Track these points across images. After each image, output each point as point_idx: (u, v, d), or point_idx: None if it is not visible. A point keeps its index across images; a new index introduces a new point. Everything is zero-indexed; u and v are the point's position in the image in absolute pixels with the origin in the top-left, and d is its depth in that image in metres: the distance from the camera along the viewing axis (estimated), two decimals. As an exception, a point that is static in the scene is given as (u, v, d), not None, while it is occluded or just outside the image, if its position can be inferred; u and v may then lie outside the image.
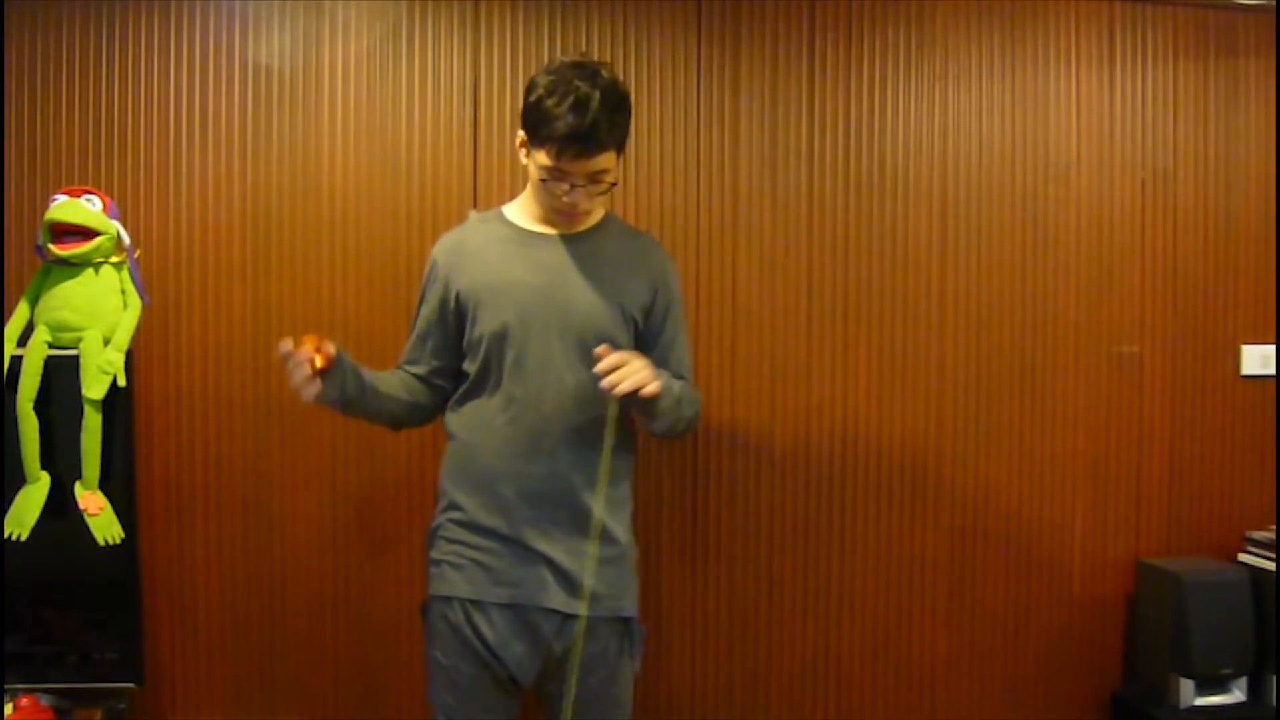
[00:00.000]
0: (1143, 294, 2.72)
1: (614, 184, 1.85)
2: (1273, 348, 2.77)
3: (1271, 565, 2.59)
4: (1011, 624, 2.70)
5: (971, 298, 2.64)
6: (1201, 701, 2.55)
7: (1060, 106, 2.67)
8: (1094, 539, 2.72)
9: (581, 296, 1.86)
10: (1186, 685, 2.54)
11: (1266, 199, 2.77)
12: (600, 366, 1.72)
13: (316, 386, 1.75)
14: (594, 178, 1.81)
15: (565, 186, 1.81)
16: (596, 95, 1.73)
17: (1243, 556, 2.69)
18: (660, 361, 1.94)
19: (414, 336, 1.98)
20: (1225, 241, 2.76)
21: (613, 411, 1.78)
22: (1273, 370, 2.77)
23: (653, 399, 1.76)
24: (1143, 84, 2.71)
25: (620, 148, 1.83)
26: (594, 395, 1.84)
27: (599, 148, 1.76)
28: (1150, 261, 2.73)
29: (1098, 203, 2.69)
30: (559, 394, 1.83)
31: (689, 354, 2.03)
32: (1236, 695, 2.59)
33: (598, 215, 1.96)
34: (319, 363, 1.73)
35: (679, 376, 1.96)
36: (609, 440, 1.80)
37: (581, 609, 1.82)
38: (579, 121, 1.72)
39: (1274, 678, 2.57)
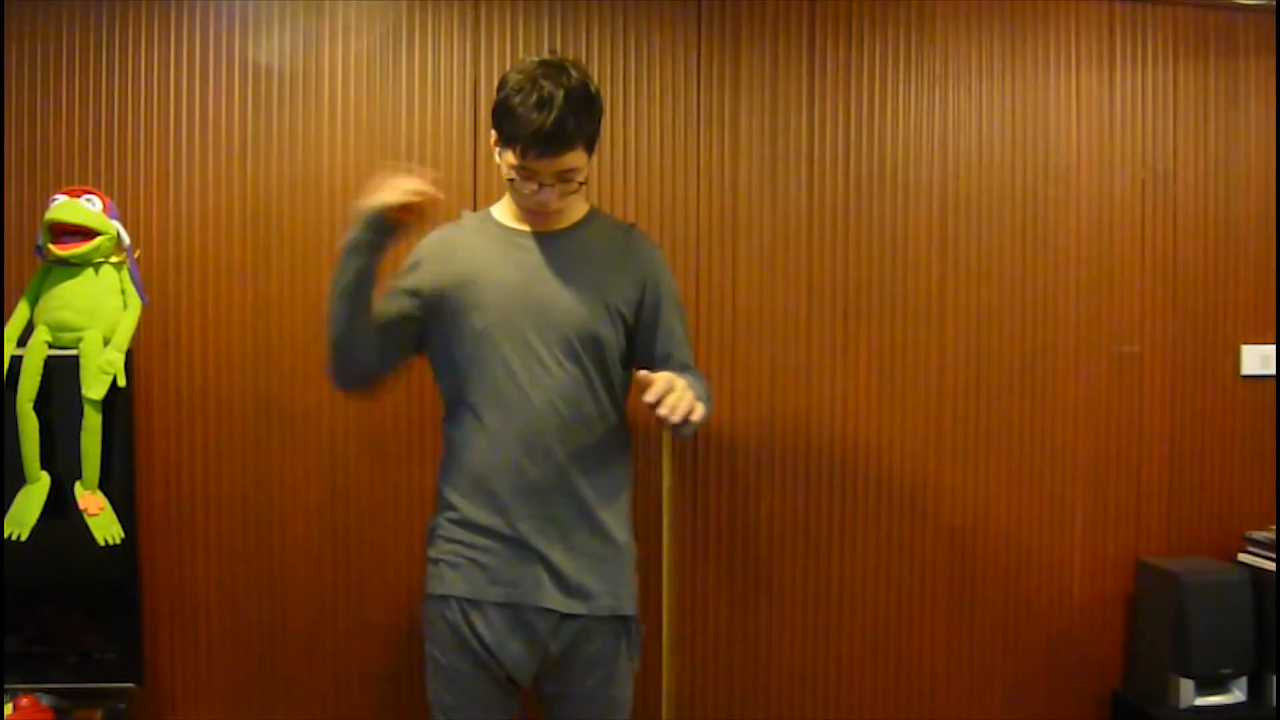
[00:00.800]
0: (1143, 294, 2.72)
1: (583, 183, 1.84)
2: (1273, 348, 2.77)
3: (1271, 565, 2.59)
4: (1011, 624, 2.70)
5: (971, 298, 2.64)
6: (1201, 701, 2.55)
7: (1060, 106, 2.67)
8: (1094, 539, 2.72)
9: (562, 294, 1.85)
10: (1186, 685, 2.54)
11: (1266, 199, 2.77)
12: (650, 396, 1.69)
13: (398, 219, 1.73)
14: (562, 176, 1.80)
15: (534, 186, 1.80)
16: (561, 94, 1.72)
17: (1243, 556, 2.69)
18: (665, 353, 1.94)
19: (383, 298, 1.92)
20: (1225, 241, 2.76)
21: (668, 439, 1.78)
22: (1273, 370, 2.77)
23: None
24: (1143, 84, 2.71)
25: (589, 146, 1.81)
26: (583, 393, 1.84)
27: (564, 147, 1.75)
28: (1150, 261, 2.73)
29: (1098, 203, 2.70)
30: (547, 391, 1.82)
31: (689, 339, 2.02)
32: (1236, 695, 2.59)
33: (581, 210, 1.95)
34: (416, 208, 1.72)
35: (685, 366, 1.95)
36: (668, 468, 1.79)
37: (673, 604, 1.80)
38: (543, 120, 1.71)
39: (1274, 678, 2.57)
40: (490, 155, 2.39)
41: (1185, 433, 2.75)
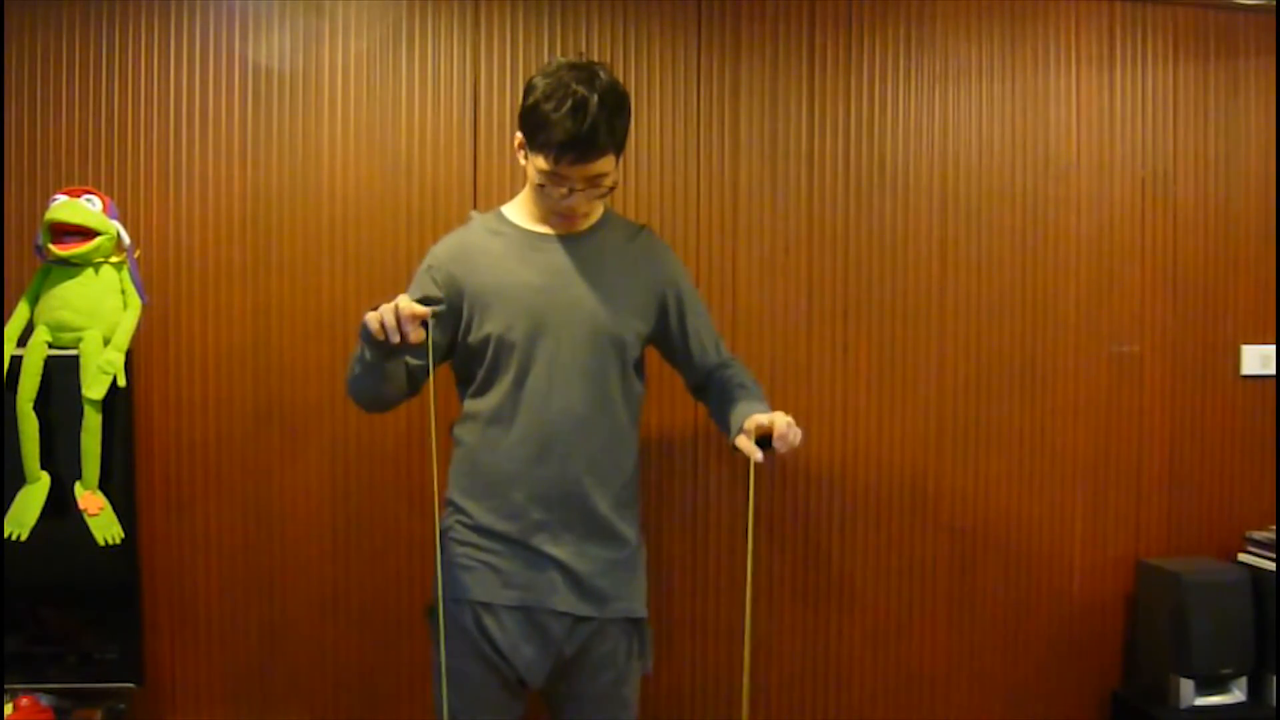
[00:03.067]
0: (1143, 294, 2.72)
1: (613, 187, 1.85)
2: (1273, 348, 2.77)
3: (1271, 565, 2.59)
4: (1011, 624, 2.70)
5: (971, 298, 2.64)
6: (1201, 701, 2.55)
7: (1060, 106, 2.67)
8: (1094, 539, 2.72)
9: (588, 298, 1.86)
10: (1186, 685, 2.54)
11: (1266, 199, 2.77)
12: (779, 440, 1.75)
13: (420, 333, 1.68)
14: (593, 181, 1.80)
15: (564, 190, 1.80)
16: (595, 99, 1.71)
17: (1243, 556, 2.69)
18: (699, 350, 2.00)
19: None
20: (1225, 241, 2.76)
21: (753, 476, 1.81)
22: (1273, 370, 2.77)
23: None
24: (1143, 84, 2.71)
25: (619, 150, 1.82)
26: (601, 396, 1.85)
27: (598, 152, 1.75)
28: (1150, 261, 2.73)
29: (1098, 203, 2.70)
30: (567, 396, 1.82)
31: (713, 326, 2.07)
32: (1236, 695, 2.59)
33: (597, 213, 1.95)
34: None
35: (723, 361, 2.02)
36: (752, 504, 1.83)
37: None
38: (578, 126, 1.70)
39: (1274, 678, 2.57)
40: (489, 155, 2.43)
41: (1185, 433, 2.75)
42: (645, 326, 1.94)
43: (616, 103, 1.76)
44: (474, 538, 1.86)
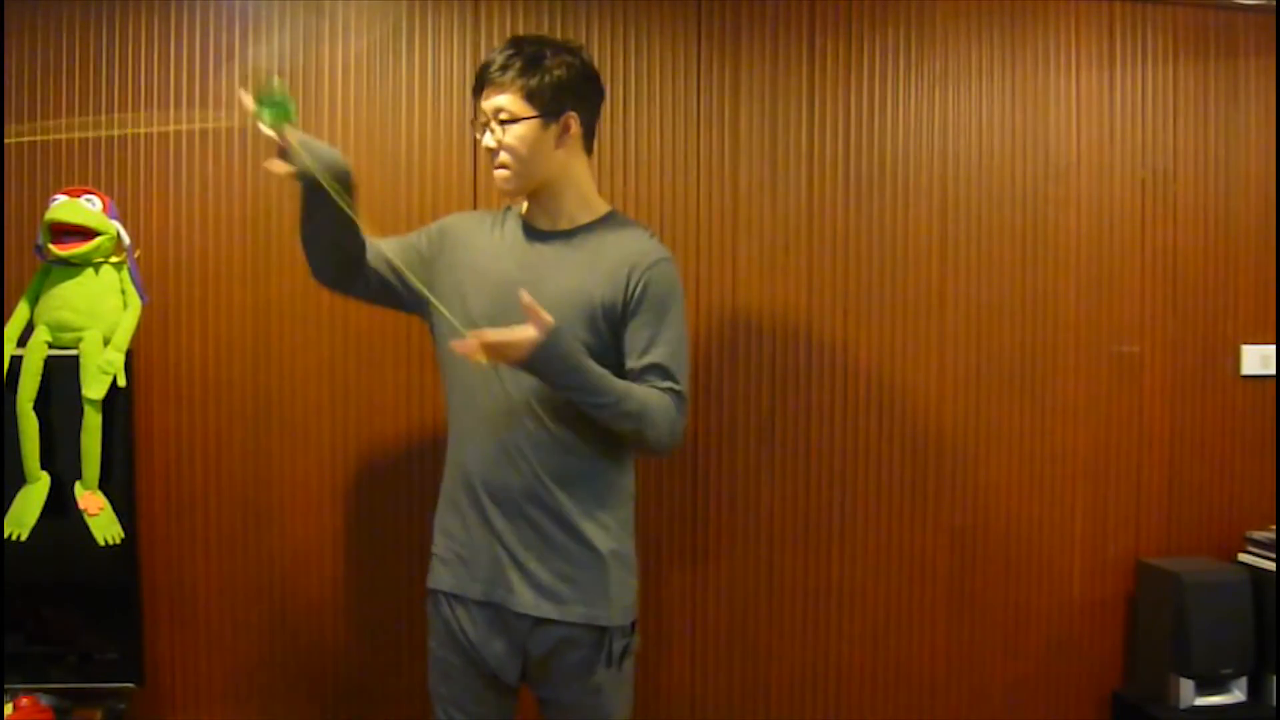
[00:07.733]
0: (1143, 294, 2.72)
1: (512, 121, 1.78)
2: (1273, 348, 2.77)
3: (1271, 565, 2.59)
4: (1011, 624, 2.70)
5: (971, 298, 2.64)
6: (1201, 701, 2.55)
7: (1060, 106, 2.67)
8: (1094, 539, 2.72)
9: (549, 292, 1.77)
10: (1186, 685, 2.54)
11: (1266, 199, 2.77)
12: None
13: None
14: (497, 117, 1.80)
15: (482, 132, 1.84)
16: (516, 46, 1.80)
17: (1243, 556, 2.69)
18: (633, 353, 1.82)
19: (400, 238, 1.95)
20: (1225, 241, 2.76)
21: None
22: (1273, 370, 2.77)
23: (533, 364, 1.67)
24: (1143, 84, 2.71)
25: (536, 102, 1.77)
26: (564, 397, 1.77)
27: (495, 87, 1.79)
28: (1150, 261, 2.73)
29: (1098, 203, 2.70)
30: (525, 394, 1.79)
31: (679, 353, 1.83)
32: (1236, 695, 2.59)
33: (600, 210, 1.91)
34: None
35: (658, 377, 1.81)
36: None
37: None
38: (489, 58, 1.80)
39: (1274, 678, 2.57)
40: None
41: (1185, 433, 2.75)
42: (613, 326, 1.83)
43: (539, 54, 1.79)
44: (452, 528, 1.89)
